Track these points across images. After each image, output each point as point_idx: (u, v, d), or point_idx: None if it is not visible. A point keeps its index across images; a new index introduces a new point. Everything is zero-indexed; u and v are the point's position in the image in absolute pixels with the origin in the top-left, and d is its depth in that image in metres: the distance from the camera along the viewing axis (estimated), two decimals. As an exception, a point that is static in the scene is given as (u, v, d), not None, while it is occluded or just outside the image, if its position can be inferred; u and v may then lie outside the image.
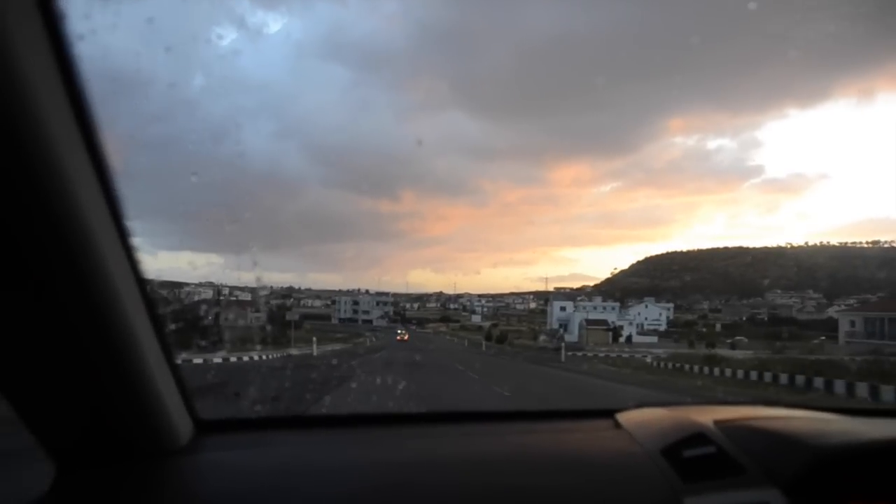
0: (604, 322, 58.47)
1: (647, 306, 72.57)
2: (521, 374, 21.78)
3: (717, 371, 21.94)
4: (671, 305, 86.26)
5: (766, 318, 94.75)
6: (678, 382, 19.04)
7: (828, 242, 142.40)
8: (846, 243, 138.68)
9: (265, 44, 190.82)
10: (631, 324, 63.83)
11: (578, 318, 60.89)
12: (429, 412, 1.57)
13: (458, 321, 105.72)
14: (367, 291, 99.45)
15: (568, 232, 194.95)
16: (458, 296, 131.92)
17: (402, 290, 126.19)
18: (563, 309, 66.26)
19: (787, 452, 1.01)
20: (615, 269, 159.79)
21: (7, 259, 0.67)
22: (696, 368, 23.59)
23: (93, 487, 0.90)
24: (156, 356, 0.91)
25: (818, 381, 17.00)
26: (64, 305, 0.74)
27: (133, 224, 0.82)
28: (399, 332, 69.10)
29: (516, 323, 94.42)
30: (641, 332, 63.58)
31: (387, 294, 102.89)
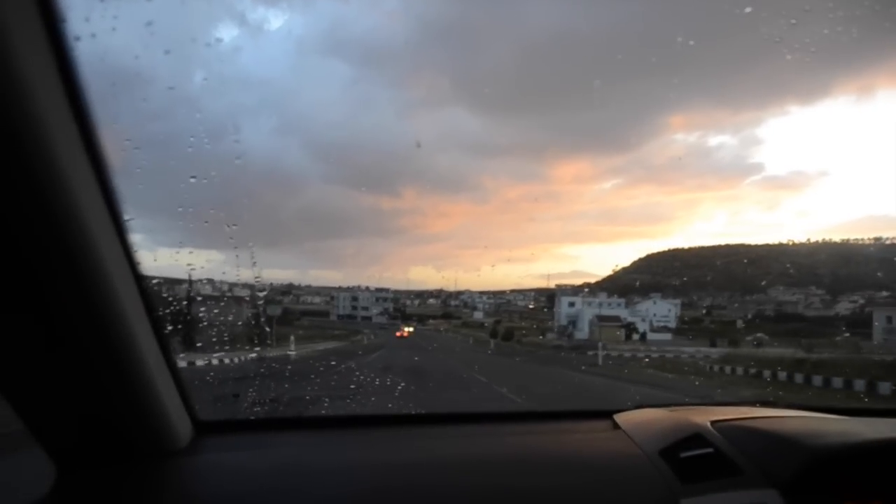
0: (616, 318, 54.42)
1: (655, 302, 68.52)
2: (559, 385, 16.02)
3: (798, 377, 18.11)
4: (678, 302, 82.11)
5: (773, 315, 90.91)
6: (788, 397, 13.84)
7: (830, 239, 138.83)
8: (848, 240, 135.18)
9: (266, 40, 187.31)
10: (643, 320, 59.76)
11: (588, 314, 56.85)
12: (428, 413, 1.57)
13: (459, 318, 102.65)
14: (367, 288, 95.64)
15: (569, 229, 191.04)
16: (459, 292, 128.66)
17: (402, 286, 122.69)
18: (571, 305, 62.23)
19: (784, 453, 0.99)
20: (617, 265, 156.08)
21: (6, 259, 0.66)
22: (767, 374, 19.58)
23: (93, 488, 0.89)
24: (155, 357, 0.90)
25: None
26: (63, 307, 0.72)
27: (133, 222, 0.80)
28: (399, 328, 66.63)
29: (518, 320, 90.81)
30: (652, 329, 59.51)
31: (387, 290, 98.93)
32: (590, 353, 31.30)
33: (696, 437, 1.10)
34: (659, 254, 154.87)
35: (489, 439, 1.24)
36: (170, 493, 0.92)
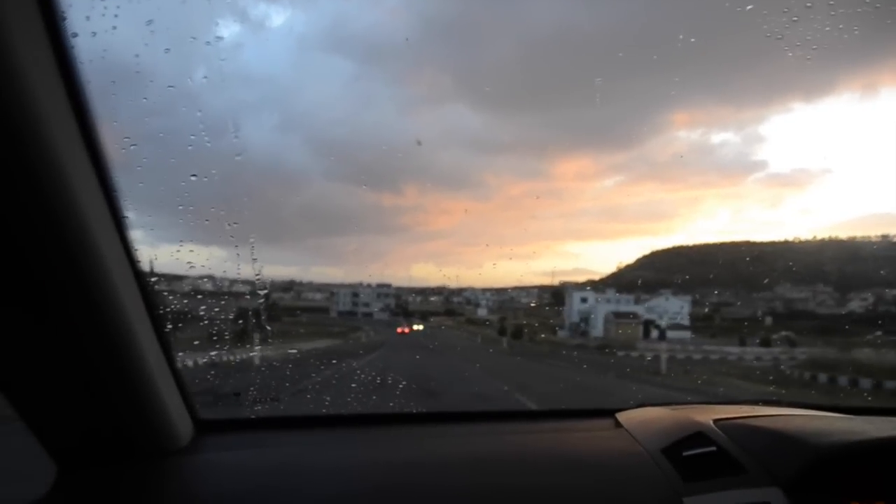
0: (633, 315, 49.90)
1: (667, 299, 63.95)
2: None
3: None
4: (688, 298, 77.69)
5: (786, 313, 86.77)
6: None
7: (836, 236, 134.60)
8: (855, 237, 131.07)
9: (268, 37, 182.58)
10: (661, 317, 55.28)
11: (603, 310, 52.38)
12: (429, 412, 1.58)
13: (462, 314, 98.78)
14: (368, 285, 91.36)
15: (571, 226, 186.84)
16: (462, 289, 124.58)
17: (404, 284, 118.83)
18: (583, 300, 57.90)
19: (788, 451, 1.00)
20: (621, 262, 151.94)
21: (6, 257, 0.66)
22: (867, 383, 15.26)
23: (94, 487, 0.89)
24: (156, 356, 0.89)
25: None
26: (63, 305, 0.73)
27: (134, 219, 0.80)
28: (400, 324, 63.15)
29: (523, 317, 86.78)
30: (668, 327, 54.99)
31: (388, 286, 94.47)
32: (620, 353, 26.90)
33: (698, 436, 1.09)
34: (663, 251, 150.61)
35: (490, 438, 1.23)
36: (170, 492, 0.91)
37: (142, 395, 0.89)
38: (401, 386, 10.04)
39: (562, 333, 52.59)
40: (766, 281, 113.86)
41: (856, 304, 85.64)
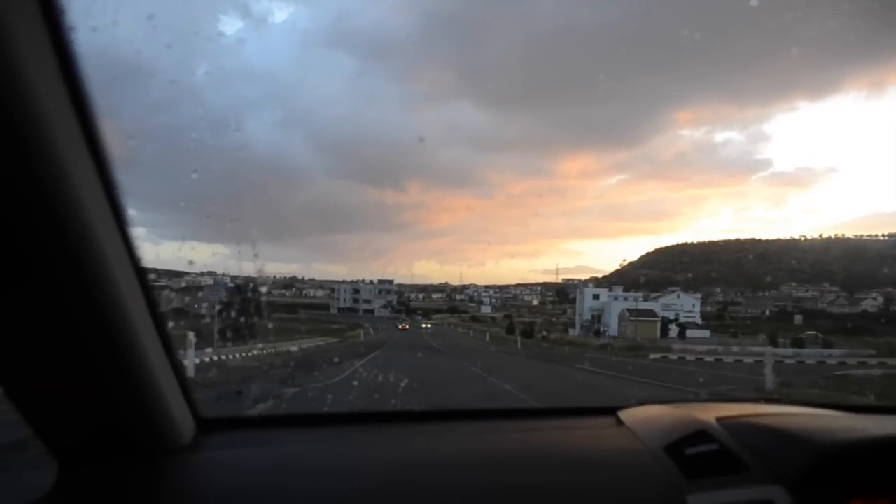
0: (651, 313, 45.94)
1: (678, 296, 60.09)
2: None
3: None
4: (699, 296, 73.85)
5: (797, 312, 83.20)
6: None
7: (842, 235, 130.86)
8: (861, 236, 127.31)
9: (270, 33, 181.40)
10: (677, 315, 51.35)
11: (617, 307, 48.47)
12: (431, 410, 1.55)
13: (466, 312, 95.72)
14: (371, 282, 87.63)
15: (574, 224, 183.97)
16: (464, 287, 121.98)
17: (406, 281, 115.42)
18: (596, 297, 53.99)
19: (791, 449, 0.97)
20: (624, 260, 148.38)
21: (6, 255, 0.65)
22: None
23: (95, 486, 0.88)
24: (157, 354, 0.88)
25: None
26: (65, 303, 0.72)
27: (136, 216, 0.80)
28: (398, 323, 60.33)
29: (527, 314, 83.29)
30: (686, 325, 51.05)
31: (390, 282, 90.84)
32: (654, 355, 23.08)
33: (700, 434, 1.07)
34: (667, 248, 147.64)
35: (492, 436, 1.21)
36: (172, 491, 0.90)
37: (143, 393, 0.86)
38: (404, 396, 7.81)
39: (573, 332, 48.67)
40: (769, 279, 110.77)
41: (868, 304, 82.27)
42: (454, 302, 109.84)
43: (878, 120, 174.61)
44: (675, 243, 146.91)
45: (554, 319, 74.57)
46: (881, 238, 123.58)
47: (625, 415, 1.27)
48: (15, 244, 0.65)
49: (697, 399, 1.50)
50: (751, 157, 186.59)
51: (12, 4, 0.58)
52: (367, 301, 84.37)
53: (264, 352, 16.37)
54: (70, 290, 0.71)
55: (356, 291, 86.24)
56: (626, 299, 52.73)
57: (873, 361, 19.83)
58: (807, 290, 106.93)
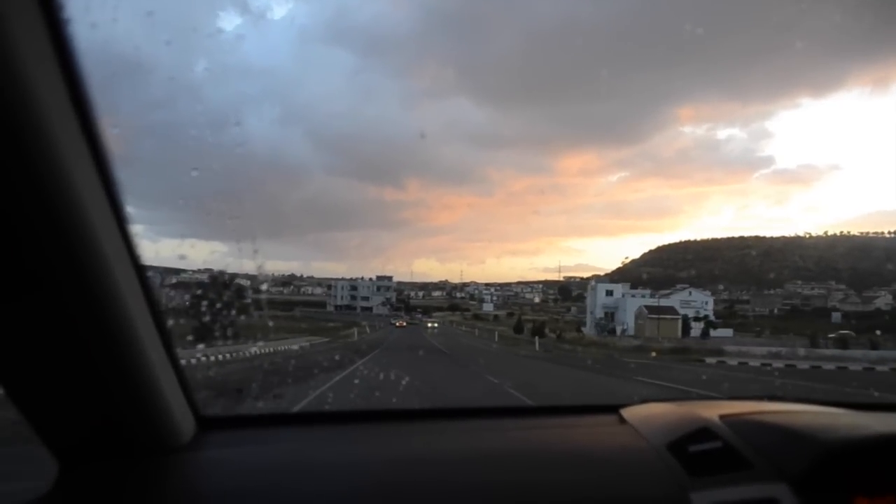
0: (671, 310, 41.35)
1: (690, 293, 55.50)
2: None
3: None
4: (709, 292, 69.32)
5: (809, 310, 78.93)
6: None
7: (847, 232, 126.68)
8: (867, 233, 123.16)
9: (269, 29, 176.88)
10: (704, 313, 46.76)
11: (633, 304, 43.96)
12: (432, 408, 1.63)
13: (467, 310, 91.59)
14: (370, 279, 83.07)
15: (574, 222, 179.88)
16: (465, 284, 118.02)
17: (406, 279, 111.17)
18: (609, 293, 49.48)
19: (795, 447, 0.96)
20: (626, 257, 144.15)
21: (5, 253, 0.65)
22: None
23: (96, 484, 0.87)
24: (158, 352, 0.88)
25: None
26: (64, 300, 0.72)
27: (135, 213, 0.80)
28: (396, 320, 56.41)
29: (531, 312, 78.95)
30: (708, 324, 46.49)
31: (389, 279, 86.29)
32: (709, 360, 18.49)
33: (704, 431, 1.05)
34: (670, 245, 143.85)
35: (494, 434, 1.19)
36: (173, 489, 0.89)
37: (144, 392, 0.85)
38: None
39: (585, 331, 44.13)
40: (773, 276, 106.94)
41: (881, 302, 78.15)
42: (454, 300, 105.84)
43: (881, 117, 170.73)
44: (677, 241, 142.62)
45: (559, 317, 70.10)
46: (887, 235, 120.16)
47: (627, 412, 1.25)
48: (14, 242, 0.64)
49: (700, 397, 1.45)
50: (753, 155, 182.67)
51: (12, 1, 0.57)
52: (365, 298, 79.97)
53: (230, 356, 13.06)
54: (70, 288, 0.70)
55: (353, 288, 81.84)
56: (643, 296, 48.23)
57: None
58: (812, 288, 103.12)
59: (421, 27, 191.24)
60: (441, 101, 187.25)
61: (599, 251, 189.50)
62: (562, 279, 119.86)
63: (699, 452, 1.00)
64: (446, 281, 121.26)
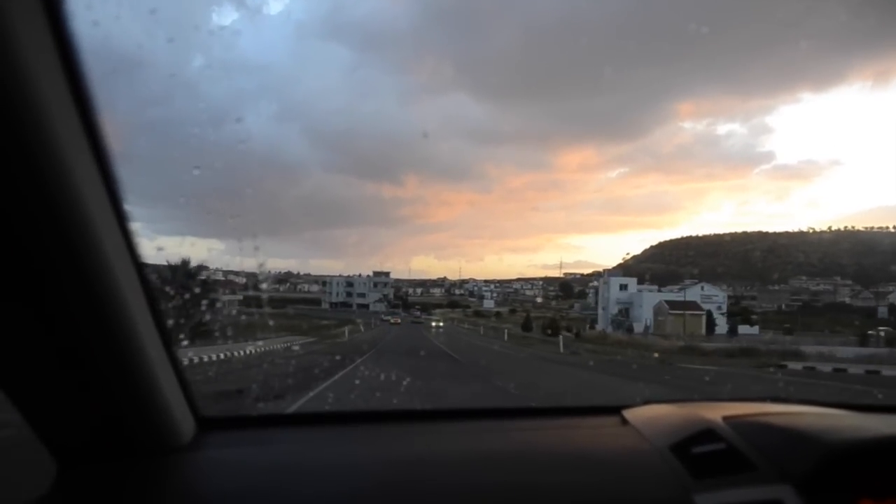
0: (694, 305, 36.91)
1: (703, 288, 51.08)
2: None
3: None
4: (723, 288, 64.94)
5: (821, 306, 74.81)
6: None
7: (852, 227, 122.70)
8: (872, 228, 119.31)
9: (265, 24, 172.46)
10: (719, 308, 42.36)
11: (649, 299, 39.47)
12: (434, 409, 1.55)
13: (468, 306, 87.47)
14: (368, 276, 78.61)
15: (574, 218, 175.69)
16: (464, 281, 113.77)
17: (404, 276, 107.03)
18: (623, 288, 45.06)
19: (799, 448, 0.95)
20: (628, 254, 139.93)
21: (5, 250, 0.64)
22: None
23: (95, 485, 0.86)
24: (157, 352, 0.87)
25: None
26: (64, 299, 0.71)
27: (135, 211, 0.79)
28: (391, 317, 51.67)
29: (532, 308, 74.73)
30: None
31: (386, 274, 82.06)
32: (791, 364, 14.00)
33: (707, 433, 1.03)
34: (671, 241, 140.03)
35: (494, 435, 1.16)
36: (172, 489, 0.88)
37: (143, 392, 0.84)
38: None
39: (599, 328, 39.72)
40: (776, 274, 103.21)
41: (895, 297, 74.33)
42: (453, 297, 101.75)
43: (883, 111, 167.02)
44: (679, 237, 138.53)
45: (564, 314, 65.78)
46: (892, 230, 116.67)
47: (630, 414, 1.23)
48: (13, 239, 0.63)
49: (703, 398, 1.39)
50: (753, 150, 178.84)
51: None
52: (362, 295, 75.69)
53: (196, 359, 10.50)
54: (69, 286, 0.69)
55: (349, 285, 77.57)
56: (659, 290, 43.85)
57: None
58: (817, 284, 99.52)
59: (419, 22, 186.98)
60: (439, 97, 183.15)
61: (599, 248, 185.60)
62: (562, 276, 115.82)
63: (702, 454, 0.98)
64: (445, 278, 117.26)
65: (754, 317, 57.73)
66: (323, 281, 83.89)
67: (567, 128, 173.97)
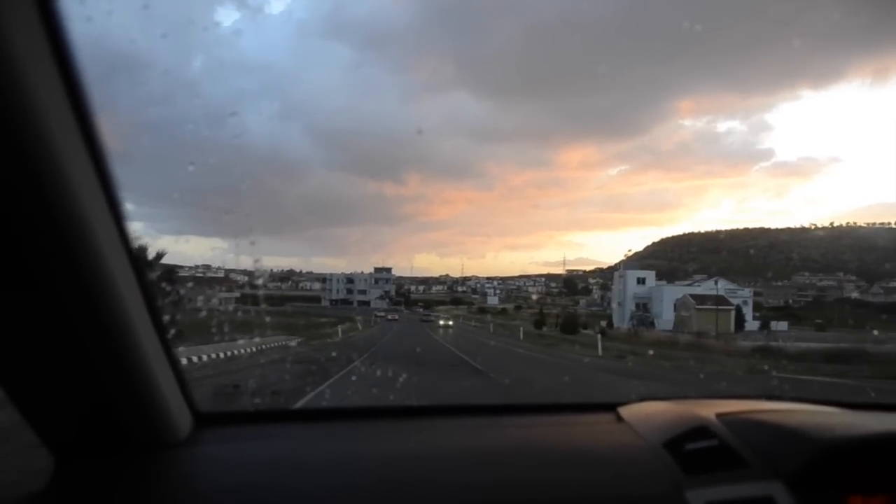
0: (722, 300, 33.52)
1: (716, 282, 47.65)
2: None
3: None
4: (738, 284, 61.59)
5: (832, 301, 71.73)
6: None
7: (854, 223, 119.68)
8: (874, 224, 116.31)
9: (267, 23, 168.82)
10: (745, 303, 38.99)
11: (670, 294, 36.04)
12: (431, 405, 1.52)
13: (471, 303, 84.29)
14: (370, 273, 75.16)
15: (575, 216, 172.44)
16: (466, 278, 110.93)
17: (407, 273, 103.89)
18: (641, 282, 41.76)
19: (791, 445, 0.95)
20: (629, 250, 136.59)
21: (1, 248, 0.64)
22: None
23: (92, 480, 0.86)
24: (154, 347, 0.86)
25: None
26: (61, 295, 0.70)
27: (133, 209, 0.76)
28: (389, 314, 49.49)
29: (537, 305, 71.40)
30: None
31: (387, 270, 78.72)
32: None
33: (700, 430, 1.04)
34: (673, 238, 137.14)
35: (491, 431, 1.17)
36: (169, 485, 0.87)
37: (140, 387, 0.84)
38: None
39: (616, 324, 36.34)
40: (775, 271, 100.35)
41: (905, 292, 71.31)
42: (456, 294, 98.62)
43: (882, 108, 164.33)
44: (681, 233, 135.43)
45: (573, 310, 62.48)
46: (894, 226, 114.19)
47: (625, 411, 1.23)
48: (9, 237, 0.62)
49: (697, 395, 1.39)
50: (753, 147, 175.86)
51: None
52: (363, 292, 72.52)
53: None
54: (66, 283, 0.68)
55: (350, 281, 74.35)
56: (680, 285, 40.48)
57: None
58: (821, 280, 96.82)
59: (420, 21, 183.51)
60: (440, 96, 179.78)
61: (600, 245, 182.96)
62: (565, 272, 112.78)
63: (695, 451, 0.98)
64: (447, 275, 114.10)
65: (799, 313, 54.47)
66: (323, 278, 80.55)
67: (567, 126, 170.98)
